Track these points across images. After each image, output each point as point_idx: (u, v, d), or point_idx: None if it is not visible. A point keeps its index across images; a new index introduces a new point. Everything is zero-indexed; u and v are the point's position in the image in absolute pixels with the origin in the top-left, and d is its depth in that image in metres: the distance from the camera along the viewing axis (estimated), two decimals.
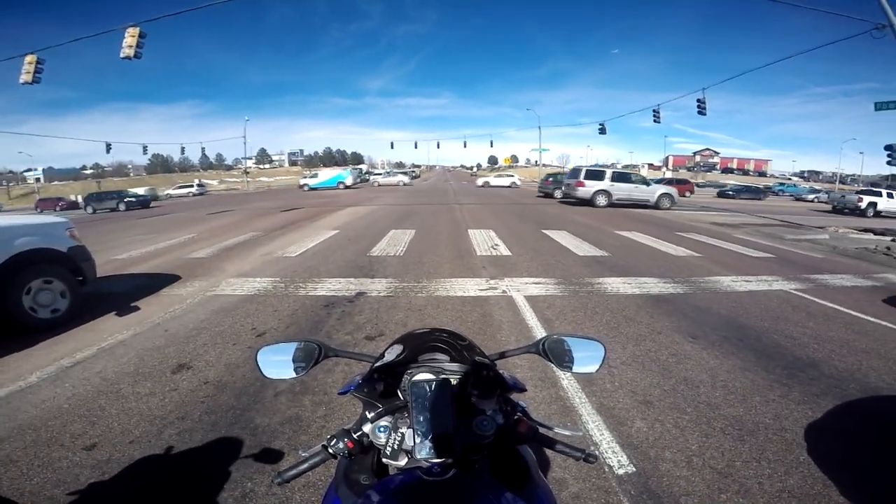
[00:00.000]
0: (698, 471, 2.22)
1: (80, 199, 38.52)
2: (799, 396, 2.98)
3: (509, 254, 8.06)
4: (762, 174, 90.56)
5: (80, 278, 4.87)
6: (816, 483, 2.13)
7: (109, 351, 3.82)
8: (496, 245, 8.92)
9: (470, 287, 5.75)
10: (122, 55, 13.79)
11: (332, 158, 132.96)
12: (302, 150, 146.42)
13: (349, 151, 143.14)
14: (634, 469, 2.23)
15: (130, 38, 13.68)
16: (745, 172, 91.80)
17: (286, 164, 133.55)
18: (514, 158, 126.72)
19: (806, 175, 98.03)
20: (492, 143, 60.31)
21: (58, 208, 36.20)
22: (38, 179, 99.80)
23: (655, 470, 2.23)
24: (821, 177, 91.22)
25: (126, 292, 5.60)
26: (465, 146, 69.89)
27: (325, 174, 41.57)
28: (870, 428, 2.67)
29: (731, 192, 37.54)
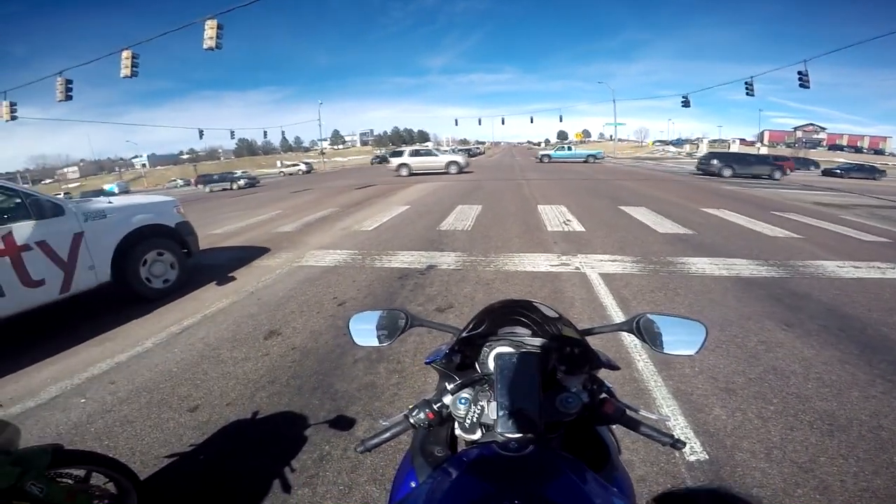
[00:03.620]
0: (777, 463, 2.10)
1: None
2: None
3: (582, 229, 7.82)
4: (879, 152, 78.06)
5: (186, 251, 5.42)
6: None
7: (211, 318, 4.26)
8: (568, 220, 8.68)
9: (540, 262, 5.69)
10: (204, 46, 14.79)
11: (400, 137, 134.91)
12: (372, 130, 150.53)
13: (415, 130, 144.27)
14: (707, 457, 2.15)
15: (210, 29, 14.62)
16: (858, 150, 79.46)
17: (358, 144, 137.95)
18: (587, 133, 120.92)
19: None
20: (561, 117, 57.39)
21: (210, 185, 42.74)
22: (143, 165, 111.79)
23: (730, 459, 2.13)
24: None
25: (223, 264, 6.22)
26: (531, 121, 67.74)
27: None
28: None
29: (838, 171, 33.03)
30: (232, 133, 49.82)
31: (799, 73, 19.68)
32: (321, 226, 9.16)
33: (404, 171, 24.61)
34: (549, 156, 37.13)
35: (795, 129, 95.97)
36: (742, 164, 23.25)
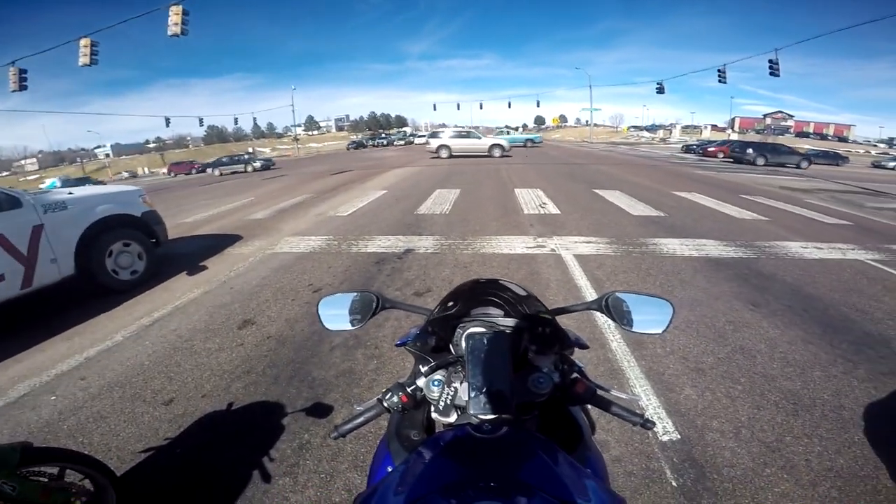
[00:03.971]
0: (745, 443, 2.17)
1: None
2: (864, 374, 2.79)
3: (558, 212, 7.90)
4: (843, 139, 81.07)
5: (154, 241, 5.24)
6: (867, 464, 2.03)
7: (183, 309, 4.13)
8: (544, 203, 8.75)
9: (517, 245, 5.72)
10: (169, 33, 14.22)
11: (377, 122, 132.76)
12: (348, 116, 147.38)
13: (393, 115, 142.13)
14: (679, 436, 2.21)
15: (175, 15, 14.04)
16: (824, 137, 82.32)
17: (333, 130, 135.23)
18: (563, 118, 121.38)
19: (895, 141, 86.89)
20: (538, 102, 57.60)
21: (193, 171, 40.74)
22: (107, 155, 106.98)
23: (701, 439, 2.20)
24: None
25: (195, 253, 6.03)
26: (509, 106, 66.55)
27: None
28: None
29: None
30: (201, 120, 47.78)
31: (770, 61, 20.21)
32: (295, 212, 8.96)
33: (444, 154, 23.02)
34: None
35: (765, 116, 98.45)
36: (774, 154, 24.14)
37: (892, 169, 29.22)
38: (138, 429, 2.44)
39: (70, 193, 4.52)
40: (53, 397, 2.82)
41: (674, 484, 1.93)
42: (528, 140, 38.02)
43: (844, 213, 8.92)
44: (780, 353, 3.05)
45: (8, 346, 3.56)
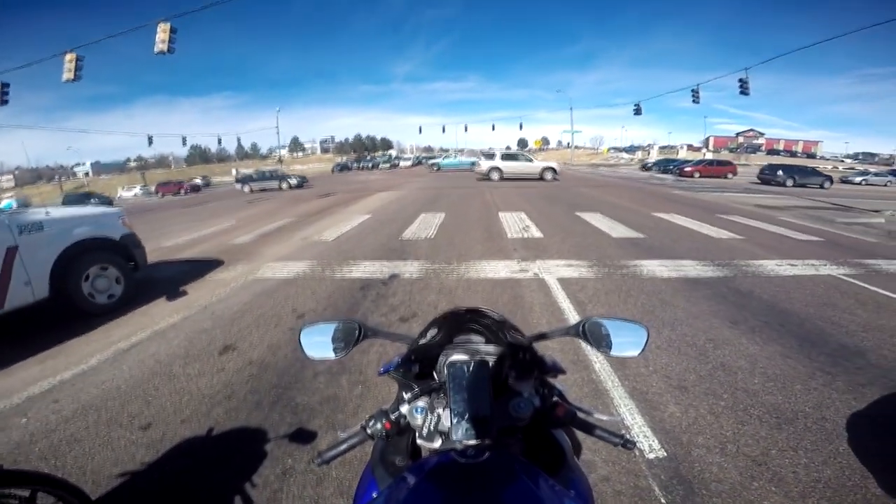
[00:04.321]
0: (731, 458, 2.19)
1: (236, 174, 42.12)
2: (843, 386, 2.86)
3: (541, 236, 8.00)
4: (811, 156, 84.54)
5: (133, 264, 5.16)
6: (854, 474, 2.07)
7: (161, 334, 4.06)
8: (527, 227, 8.86)
9: (501, 269, 5.76)
10: (156, 50, 14.16)
11: (362, 145, 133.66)
12: (333, 137, 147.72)
13: (378, 137, 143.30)
14: (665, 454, 2.22)
15: (162, 33, 14.03)
16: (793, 154, 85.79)
17: (318, 152, 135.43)
18: (545, 141, 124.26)
19: (860, 157, 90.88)
20: (521, 125, 59.40)
21: (183, 192, 38.57)
22: (87, 174, 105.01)
23: (687, 455, 2.21)
24: (876, 159, 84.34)
25: (175, 278, 5.93)
26: (493, 129, 68.56)
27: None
28: None
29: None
30: (184, 140, 47.56)
31: (740, 80, 20.96)
32: (278, 236, 8.90)
33: (495, 176, 22.28)
34: (438, 165, 41.06)
35: (737, 134, 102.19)
36: (802, 175, 25.62)
37: (859, 184, 31.11)
38: (114, 453, 2.38)
39: (47, 214, 4.45)
40: (24, 420, 2.76)
41: (663, 501, 1.93)
42: (472, 163, 32.73)
43: (816, 229, 9.24)
44: (761, 368, 3.11)
45: None
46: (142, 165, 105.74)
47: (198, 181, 46.66)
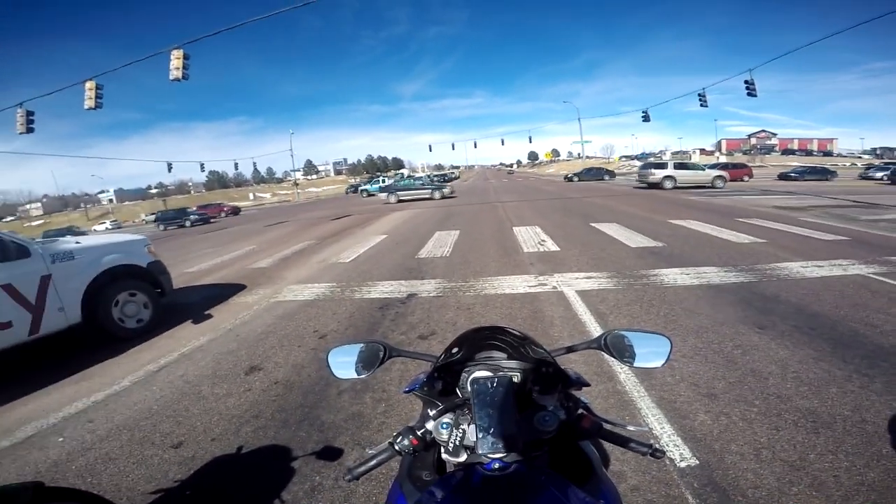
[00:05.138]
0: (767, 463, 2.13)
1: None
2: (881, 387, 2.76)
3: (557, 249, 7.96)
4: (828, 154, 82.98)
5: (159, 290, 5.33)
6: None
7: (189, 356, 4.17)
8: (543, 241, 8.84)
9: (518, 284, 5.75)
10: (171, 77, 14.35)
11: (374, 165, 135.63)
12: (346, 159, 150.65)
13: (389, 157, 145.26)
14: (697, 462, 2.17)
15: (176, 59, 14.26)
16: (809, 153, 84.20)
17: (331, 174, 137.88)
18: (556, 152, 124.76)
19: (879, 152, 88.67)
20: (530, 138, 59.10)
21: (223, 213, 39.69)
22: (111, 200, 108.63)
23: (721, 463, 2.16)
24: (895, 153, 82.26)
25: (199, 302, 6.07)
26: (502, 143, 68.64)
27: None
28: None
29: (793, 175, 35.33)
30: (202, 165, 48.87)
31: (745, 82, 20.59)
32: (297, 260, 9.05)
33: (668, 185, 22.93)
34: (367, 190, 42.15)
35: (749, 136, 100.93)
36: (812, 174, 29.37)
37: (880, 179, 29.48)
38: (148, 470, 2.46)
39: (77, 243, 4.66)
40: (61, 439, 2.87)
41: None
42: (437, 187, 28.91)
43: (840, 228, 8.99)
44: (793, 372, 3.02)
45: (14, 389, 3.65)
46: (162, 192, 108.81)
47: (236, 204, 48.12)
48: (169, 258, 6.83)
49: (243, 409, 3.05)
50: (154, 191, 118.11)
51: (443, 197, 25.51)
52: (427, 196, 25.92)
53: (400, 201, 25.49)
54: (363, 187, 47.49)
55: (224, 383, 3.50)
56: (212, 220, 33.78)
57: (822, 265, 5.87)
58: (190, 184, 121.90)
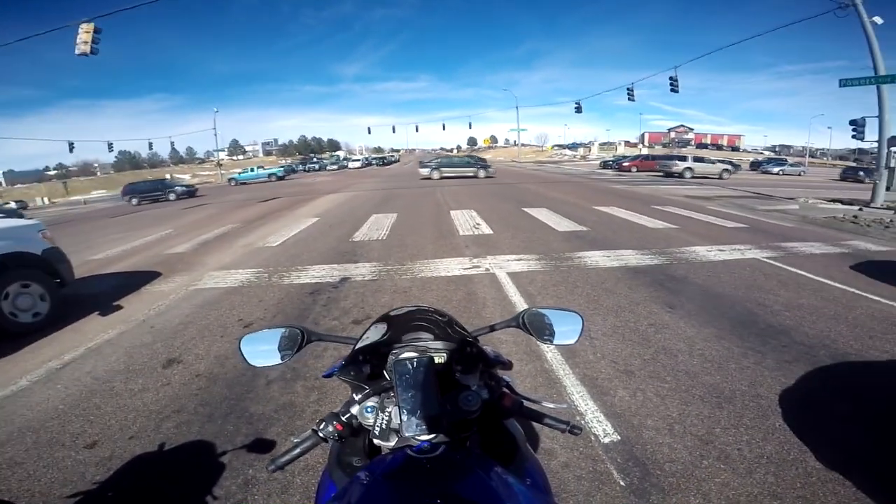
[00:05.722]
0: (680, 438, 2.30)
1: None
2: (773, 363, 3.07)
3: (491, 232, 8.15)
4: (735, 149, 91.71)
5: (58, 280, 4.76)
6: (793, 449, 2.18)
7: (97, 350, 3.78)
8: (478, 224, 9.00)
9: (454, 267, 5.81)
10: (77, 52, 13.12)
11: (308, 146, 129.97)
12: (276, 140, 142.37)
13: (325, 139, 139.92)
14: (619, 437, 2.31)
15: (85, 34, 13.01)
16: (719, 147, 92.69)
17: (260, 154, 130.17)
18: (493, 139, 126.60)
19: (777, 149, 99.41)
20: (470, 124, 60.12)
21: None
22: None
23: (639, 438, 2.31)
24: (791, 150, 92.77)
25: (107, 292, 5.49)
26: (443, 129, 69.21)
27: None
28: (840, 394, 2.74)
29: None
30: (110, 145, 43.83)
31: (670, 78, 22.18)
32: (220, 244, 8.46)
33: (688, 174, 25.82)
34: (235, 178, 38.80)
35: (669, 130, 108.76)
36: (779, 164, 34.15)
37: (776, 173, 35.46)
38: (62, 473, 2.24)
39: None
40: None
41: (622, 484, 2.00)
42: (270, 174, 37.88)
43: (740, 216, 10.03)
44: (699, 350, 3.32)
45: None
46: (63, 174, 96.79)
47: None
48: (69, 246, 6.10)
49: (162, 405, 2.83)
50: (52, 172, 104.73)
51: (487, 176, 25.78)
52: (472, 175, 26.01)
53: (443, 178, 25.44)
54: (231, 176, 39.88)
55: (139, 378, 3.21)
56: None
57: (724, 249, 6.51)
58: (96, 165, 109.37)
